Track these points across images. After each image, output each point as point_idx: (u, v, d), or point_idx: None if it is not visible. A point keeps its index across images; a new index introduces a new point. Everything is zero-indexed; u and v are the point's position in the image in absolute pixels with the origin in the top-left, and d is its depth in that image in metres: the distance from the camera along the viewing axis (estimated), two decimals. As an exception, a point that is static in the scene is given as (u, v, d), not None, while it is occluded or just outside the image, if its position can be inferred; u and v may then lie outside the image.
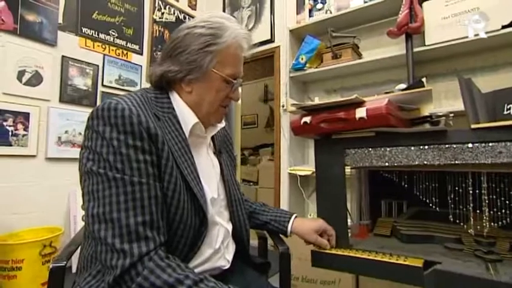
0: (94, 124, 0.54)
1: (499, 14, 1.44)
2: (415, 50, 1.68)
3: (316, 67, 2.08)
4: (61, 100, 1.97)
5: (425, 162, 0.70)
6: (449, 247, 0.78)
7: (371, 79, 2.03)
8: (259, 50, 2.70)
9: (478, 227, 0.72)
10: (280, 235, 0.87)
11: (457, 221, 0.75)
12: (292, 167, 2.11)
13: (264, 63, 2.69)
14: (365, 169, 1.05)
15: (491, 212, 0.71)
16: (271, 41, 2.62)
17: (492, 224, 0.71)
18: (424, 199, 0.79)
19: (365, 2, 1.94)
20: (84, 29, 2.13)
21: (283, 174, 2.28)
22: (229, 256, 0.69)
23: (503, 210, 0.70)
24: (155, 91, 0.65)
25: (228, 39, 0.64)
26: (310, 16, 2.22)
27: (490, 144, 0.63)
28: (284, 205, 2.22)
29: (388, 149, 0.75)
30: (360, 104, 0.72)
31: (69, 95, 2.00)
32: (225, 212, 0.72)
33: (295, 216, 0.86)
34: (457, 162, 0.66)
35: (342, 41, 1.99)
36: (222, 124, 0.74)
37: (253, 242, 0.93)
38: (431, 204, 0.79)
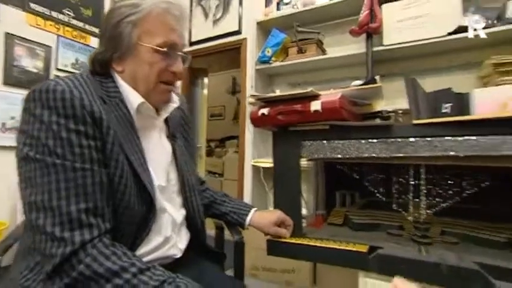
0: (31, 107, 0.51)
1: (446, 21, 1.56)
2: (374, 49, 1.76)
3: (281, 61, 2.10)
4: (5, 82, 1.81)
5: (374, 155, 0.75)
6: (392, 233, 0.85)
7: (334, 75, 2.10)
8: (226, 41, 2.67)
9: (416, 214, 0.79)
10: (238, 227, 0.88)
11: (400, 210, 0.82)
12: (255, 159, 2.14)
13: (231, 54, 2.66)
14: (321, 161, 1.09)
15: (428, 201, 0.78)
16: (238, 32, 2.61)
17: (428, 211, 0.78)
18: (372, 190, 0.85)
19: (330, 0, 1.99)
20: (32, 5, 1.96)
21: (246, 167, 2.30)
22: (182, 245, 0.69)
23: (437, 199, 0.77)
24: (100, 77, 0.62)
25: (146, 6, 0.61)
26: (278, 10, 2.24)
27: (428, 138, 0.68)
28: (247, 197, 2.25)
29: (341, 141, 0.79)
30: (315, 97, 0.75)
31: (15, 77, 1.84)
32: (178, 199, 0.71)
33: (255, 210, 0.87)
34: (400, 155, 0.71)
35: (307, 37, 2.03)
36: (175, 104, 0.71)
37: (211, 231, 0.93)
38: (378, 195, 0.85)
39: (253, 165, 2.17)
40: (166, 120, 0.74)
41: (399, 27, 1.69)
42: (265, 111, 0.82)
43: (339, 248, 0.74)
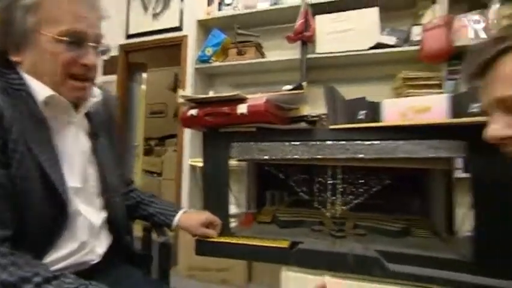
0: None
1: (367, 37, 1.74)
2: (308, 56, 1.88)
3: (221, 61, 2.11)
4: None
5: (296, 156, 0.80)
6: (314, 229, 0.92)
7: (273, 78, 2.18)
8: (166, 36, 2.59)
9: (333, 210, 0.87)
10: (165, 228, 0.87)
11: (319, 207, 0.89)
12: (193, 158, 2.11)
13: (172, 51, 2.58)
14: (252, 162, 1.13)
15: (343, 198, 0.86)
16: (179, 29, 2.54)
17: (343, 207, 0.86)
18: (297, 189, 0.91)
19: (271, 6, 2.06)
20: None
21: (184, 166, 2.26)
22: (101, 249, 0.66)
23: (351, 196, 0.86)
24: (2, 67, 0.56)
25: None
26: (219, 10, 2.24)
27: (342, 142, 0.76)
28: (184, 197, 2.21)
29: (267, 143, 0.83)
30: (242, 100, 0.78)
31: None
32: (97, 201, 0.68)
33: (184, 211, 0.87)
34: (319, 156, 0.78)
35: (247, 39, 2.07)
36: (95, 98, 0.67)
37: (140, 233, 0.90)
38: (302, 193, 0.91)
39: (191, 165, 2.14)
40: (89, 117, 0.70)
41: (330, 38, 1.83)
42: (194, 112, 0.82)
43: (262, 245, 0.78)
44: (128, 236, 0.78)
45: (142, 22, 2.65)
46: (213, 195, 0.88)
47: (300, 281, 0.76)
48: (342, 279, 0.72)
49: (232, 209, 1.30)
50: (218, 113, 0.80)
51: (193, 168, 2.16)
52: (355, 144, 0.75)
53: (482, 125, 0.62)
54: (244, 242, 0.80)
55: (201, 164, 2.02)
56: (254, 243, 0.79)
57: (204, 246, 0.84)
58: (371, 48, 1.72)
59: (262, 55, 2.16)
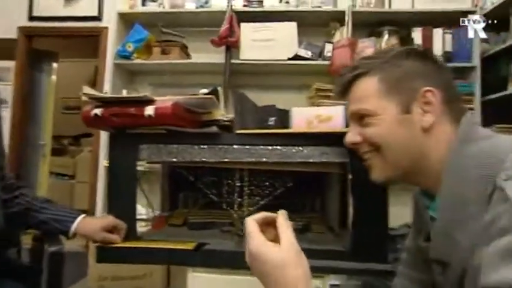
0: None
1: (287, 48, 1.87)
2: (232, 61, 1.93)
3: (144, 59, 2.02)
4: None
5: (204, 159, 0.82)
6: (223, 230, 0.94)
7: (196, 80, 2.17)
8: (82, 25, 2.36)
9: (240, 212, 0.91)
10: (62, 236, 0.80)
11: (228, 208, 0.92)
12: (109, 160, 1.97)
13: (91, 42, 2.37)
14: (166, 164, 1.12)
15: (250, 199, 0.91)
16: (98, 19, 2.35)
17: (250, 208, 0.91)
18: (206, 191, 0.92)
19: (197, 8, 2.06)
20: None
21: (100, 167, 2.09)
22: None
23: (257, 198, 0.92)
24: None
25: None
26: (143, 5, 2.14)
27: (247, 146, 0.80)
28: (99, 201, 2.04)
29: (175, 146, 0.83)
30: (149, 102, 0.76)
31: None
32: None
33: (84, 217, 0.81)
34: (226, 160, 0.81)
35: (172, 39, 2.03)
36: None
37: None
38: (211, 195, 0.93)
39: (107, 167, 1.98)
40: None
41: (253, 46, 1.91)
42: (98, 111, 0.77)
43: (168, 247, 0.77)
44: (13, 248, 0.70)
45: (51, 5, 2.37)
46: (118, 198, 0.84)
47: (206, 281, 0.78)
48: (246, 276, 0.76)
49: (146, 213, 1.26)
50: (124, 113, 0.77)
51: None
52: (259, 149, 0.80)
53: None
54: (149, 246, 0.78)
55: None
56: (159, 246, 0.78)
57: (105, 253, 0.80)
58: (290, 59, 1.86)
59: (188, 56, 2.13)
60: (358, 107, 0.56)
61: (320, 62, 1.87)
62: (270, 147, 0.80)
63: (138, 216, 1.11)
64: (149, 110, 0.75)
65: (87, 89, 0.81)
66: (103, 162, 2.01)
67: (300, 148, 0.79)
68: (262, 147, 0.80)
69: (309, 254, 0.77)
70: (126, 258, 0.79)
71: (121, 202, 0.84)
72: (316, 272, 0.74)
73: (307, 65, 1.89)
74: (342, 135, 0.80)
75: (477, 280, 0.40)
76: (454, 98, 0.54)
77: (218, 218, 1.00)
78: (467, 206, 0.46)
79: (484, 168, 0.45)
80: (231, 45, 1.90)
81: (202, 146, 0.82)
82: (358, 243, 0.77)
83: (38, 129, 2.69)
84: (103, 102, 0.79)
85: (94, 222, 0.79)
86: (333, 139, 0.79)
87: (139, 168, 1.90)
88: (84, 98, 0.81)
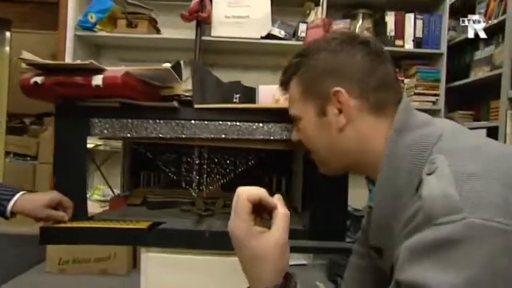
0: None
1: (260, 26, 1.81)
2: (203, 38, 1.85)
3: (109, 31, 1.90)
4: None
5: (161, 135, 0.78)
6: (183, 209, 0.92)
7: (166, 57, 2.05)
8: (40, -8, 2.17)
9: (200, 190, 0.88)
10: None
11: (187, 187, 0.89)
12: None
13: (50, 12, 2.18)
14: (128, 141, 1.06)
15: (212, 177, 0.89)
16: (57, -15, 2.16)
17: (211, 187, 0.88)
18: (165, 169, 0.89)
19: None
20: None
21: (61, 148, 1.97)
22: None
23: (219, 176, 0.89)
24: None
25: None
26: (107, -28, 1.98)
27: (206, 122, 0.77)
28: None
29: (130, 120, 0.78)
30: (98, 71, 0.70)
31: None
32: None
33: (23, 193, 0.74)
34: (183, 136, 0.77)
35: (139, 11, 1.91)
36: None
37: None
38: (170, 174, 0.89)
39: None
40: None
41: (226, 22, 1.84)
42: (38, 79, 0.70)
43: (120, 227, 0.74)
44: None
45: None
46: (66, 176, 0.79)
47: (160, 261, 0.75)
48: (204, 255, 0.74)
49: (107, 193, 1.20)
50: (69, 83, 0.70)
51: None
52: (218, 125, 0.76)
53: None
54: (99, 226, 0.74)
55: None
56: (110, 226, 0.74)
57: (51, 234, 0.74)
58: (263, 38, 1.80)
59: (158, 31, 2.02)
60: (290, 112, 0.58)
61: (293, 42, 1.84)
62: (229, 123, 0.76)
63: (100, 198, 1.05)
64: (97, 80, 0.69)
65: (26, 54, 0.73)
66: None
67: (261, 124, 0.76)
68: (221, 123, 0.76)
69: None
70: (74, 239, 0.75)
71: (69, 180, 0.78)
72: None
73: (280, 44, 1.85)
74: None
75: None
76: (379, 88, 0.51)
77: (179, 197, 0.97)
78: (400, 197, 0.45)
79: (413, 160, 0.44)
80: (201, 21, 1.81)
81: (158, 121, 0.78)
82: (317, 222, 0.77)
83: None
84: (45, 69, 0.72)
85: (35, 199, 0.73)
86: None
87: (102, 148, 1.81)
88: (23, 65, 0.74)
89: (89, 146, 1.85)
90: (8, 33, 2.69)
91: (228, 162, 0.91)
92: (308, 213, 0.80)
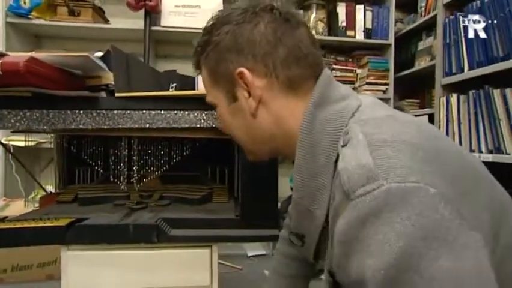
0: None
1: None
2: (152, 28, 1.78)
3: (47, 20, 1.76)
4: None
5: (81, 127, 0.73)
6: (116, 204, 0.87)
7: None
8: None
9: (130, 182, 0.85)
10: None
11: (115, 180, 0.85)
12: (9, 136, 1.72)
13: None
14: (62, 136, 0.99)
15: (147, 169, 0.85)
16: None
17: (145, 180, 0.85)
18: (90, 162, 0.84)
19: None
20: None
21: None
22: None
23: (152, 168, 0.86)
24: None
25: None
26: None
27: (128, 111, 0.73)
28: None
29: (45, 111, 0.72)
30: (-2, 56, 0.64)
31: None
32: None
33: None
34: (105, 126, 0.73)
35: (81, -2, 1.79)
36: None
37: None
38: (97, 168, 0.85)
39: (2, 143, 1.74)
40: None
41: (176, 12, 1.78)
42: None
43: (34, 226, 0.68)
44: None
45: None
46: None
47: (81, 258, 0.71)
48: (126, 250, 0.71)
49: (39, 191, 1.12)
50: (-37, 70, 0.63)
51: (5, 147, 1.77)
52: (141, 114, 0.73)
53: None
54: (12, 227, 0.69)
55: (19, 143, 1.68)
56: (25, 226, 0.69)
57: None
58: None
59: (106, 21, 1.92)
60: (206, 98, 0.55)
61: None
62: (153, 112, 0.73)
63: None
64: (-5, 66, 0.63)
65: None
66: (3, 138, 1.75)
67: (186, 112, 0.74)
68: (144, 112, 0.73)
69: (198, 224, 0.76)
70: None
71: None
72: (202, 241, 0.72)
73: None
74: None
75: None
76: (289, 62, 0.45)
77: (114, 192, 0.93)
78: (318, 177, 0.42)
79: (331, 135, 0.42)
80: (150, 10, 1.74)
81: (78, 112, 0.73)
82: (248, 211, 0.76)
83: None
84: None
85: None
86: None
87: (48, 145, 1.68)
88: None
89: (31, 143, 1.73)
90: None
91: (162, 153, 0.88)
92: (240, 203, 0.79)
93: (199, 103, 0.74)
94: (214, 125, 0.75)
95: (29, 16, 1.71)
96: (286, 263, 0.70)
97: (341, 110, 0.43)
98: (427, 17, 1.72)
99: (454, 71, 1.44)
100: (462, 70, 1.40)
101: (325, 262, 0.43)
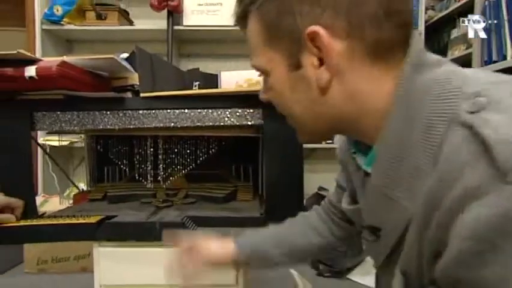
0: None
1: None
2: (175, 27, 1.80)
3: (77, 25, 1.84)
4: None
5: (109, 127, 0.75)
6: (143, 202, 0.89)
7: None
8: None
9: (156, 181, 0.86)
10: None
11: (141, 179, 0.87)
12: (45, 136, 1.82)
13: (18, 7, 2.11)
14: (90, 135, 1.03)
15: (173, 168, 0.86)
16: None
17: (172, 178, 0.86)
18: (117, 161, 0.86)
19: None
20: None
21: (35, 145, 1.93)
22: None
23: (179, 167, 0.87)
24: None
25: None
26: (74, -37, 1.91)
27: (153, 111, 0.74)
28: (39, 178, 1.91)
29: (76, 112, 0.75)
30: (31, 62, 0.67)
31: None
32: None
33: None
34: (131, 126, 0.74)
35: (107, 2, 1.85)
36: None
37: None
38: (123, 167, 0.87)
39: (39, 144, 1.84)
40: None
41: (198, 10, 1.79)
42: (-31, 74, 0.67)
43: (67, 223, 0.71)
44: None
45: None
46: (11, 174, 0.76)
47: (112, 255, 0.73)
48: (151, 247, 0.72)
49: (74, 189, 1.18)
50: (1, 75, 0.67)
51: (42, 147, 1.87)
52: (165, 113, 0.74)
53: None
54: (47, 223, 0.72)
55: (54, 143, 1.77)
56: (59, 222, 0.72)
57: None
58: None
59: (131, 22, 1.97)
60: (251, 62, 0.42)
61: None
62: (177, 111, 0.74)
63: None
64: (30, 71, 0.66)
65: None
66: (40, 138, 1.86)
67: (210, 111, 0.74)
68: (169, 111, 0.74)
69: (223, 222, 0.76)
70: (23, 237, 0.73)
71: (14, 178, 0.76)
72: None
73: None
74: (256, 95, 0.76)
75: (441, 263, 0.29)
76: (380, 20, 0.33)
77: (140, 190, 0.95)
78: (410, 158, 0.32)
79: (438, 102, 0.31)
80: (172, 10, 1.76)
81: (105, 112, 0.75)
82: (272, 209, 0.75)
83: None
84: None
85: None
86: (248, 100, 0.75)
87: (80, 144, 1.77)
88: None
89: (65, 143, 1.82)
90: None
91: (188, 151, 0.89)
92: (265, 201, 0.78)
93: (223, 101, 0.74)
94: (238, 123, 0.75)
95: (61, 22, 1.79)
96: (305, 231, 0.61)
97: (445, 73, 0.33)
98: (463, 1, 1.61)
99: (494, 58, 1.34)
100: (504, 57, 1.29)
101: (400, 260, 0.36)
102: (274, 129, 0.74)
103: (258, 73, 0.44)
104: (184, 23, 1.79)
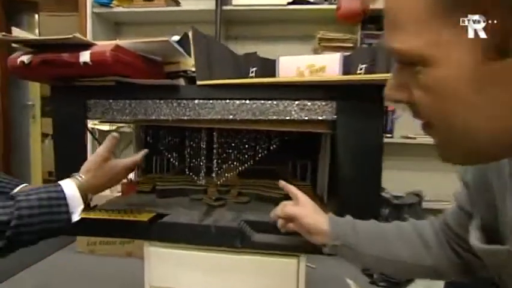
0: None
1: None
2: (224, 8, 1.70)
3: (126, 7, 1.81)
4: None
5: (161, 117, 0.68)
6: (193, 198, 0.83)
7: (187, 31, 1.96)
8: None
9: (210, 178, 0.79)
10: None
11: (191, 174, 0.80)
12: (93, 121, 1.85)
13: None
14: (139, 124, 0.98)
15: (229, 164, 0.78)
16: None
17: (227, 175, 0.78)
18: (167, 154, 0.80)
19: None
20: None
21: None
22: None
23: (236, 163, 0.78)
24: None
25: None
26: None
27: (211, 101, 0.65)
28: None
29: (128, 101, 0.69)
30: (86, 46, 0.61)
31: None
32: None
33: (25, 185, 0.70)
34: (186, 117, 0.67)
35: (156, -18, 1.79)
36: None
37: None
38: (173, 160, 0.80)
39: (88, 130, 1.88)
40: None
41: (247, -11, 1.66)
42: (25, 58, 0.63)
43: (119, 219, 0.67)
44: None
45: None
46: (68, 162, 0.73)
47: (163, 255, 0.68)
48: (203, 251, 0.66)
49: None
50: (56, 61, 0.62)
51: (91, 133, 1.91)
52: (224, 104, 0.65)
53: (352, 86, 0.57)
54: (100, 217, 0.68)
55: (103, 127, 1.79)
56: (111, 218, 0.68)
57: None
58: (290, 3, 1.61)
59: (178, 3, 1.90)
60: (392, 45, 0.28)
61: (325, 6, 1.62)
62: (237, 102, 0.64)
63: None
64: (84, 56, 0.60)
65: (16, 31, 0.66)
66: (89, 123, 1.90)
67: (275, 102, 0.63)
68: (228, 101, 0.65)
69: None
70: (78, 231, 0.70)
71: (71, 167, 0.72)
72: (289, 251, 0.63)
73: (310, 9, 1.64)
74: (330, 85, 0.64)
75: None
76: None
77: (190, 184, 0.89)
78: None
79: None
80: (221, -11, 1.66)
81: (158, 101, 0.68)
82: (345, 211, 0.64)
83: (23, 89, 2.53)
84: (31, 47, 0.64)
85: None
86: (319, 90, 0.63)
87: (127, 129, 1.77)
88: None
89: (113, 127, 1.84)
90: (36, 16, 2.73)
91: (246, 147, 0.80)
92: (335, 202, 0.67)
93: (291, 92, 0.64)
94: (306, 118, 0.64)
95: (111, 5, 1.77)
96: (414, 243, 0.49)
97: None
98: None
99: None
100: None
101: None
102: (350, 125, 0.62)
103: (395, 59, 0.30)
104: (234, 3, 1.68)
